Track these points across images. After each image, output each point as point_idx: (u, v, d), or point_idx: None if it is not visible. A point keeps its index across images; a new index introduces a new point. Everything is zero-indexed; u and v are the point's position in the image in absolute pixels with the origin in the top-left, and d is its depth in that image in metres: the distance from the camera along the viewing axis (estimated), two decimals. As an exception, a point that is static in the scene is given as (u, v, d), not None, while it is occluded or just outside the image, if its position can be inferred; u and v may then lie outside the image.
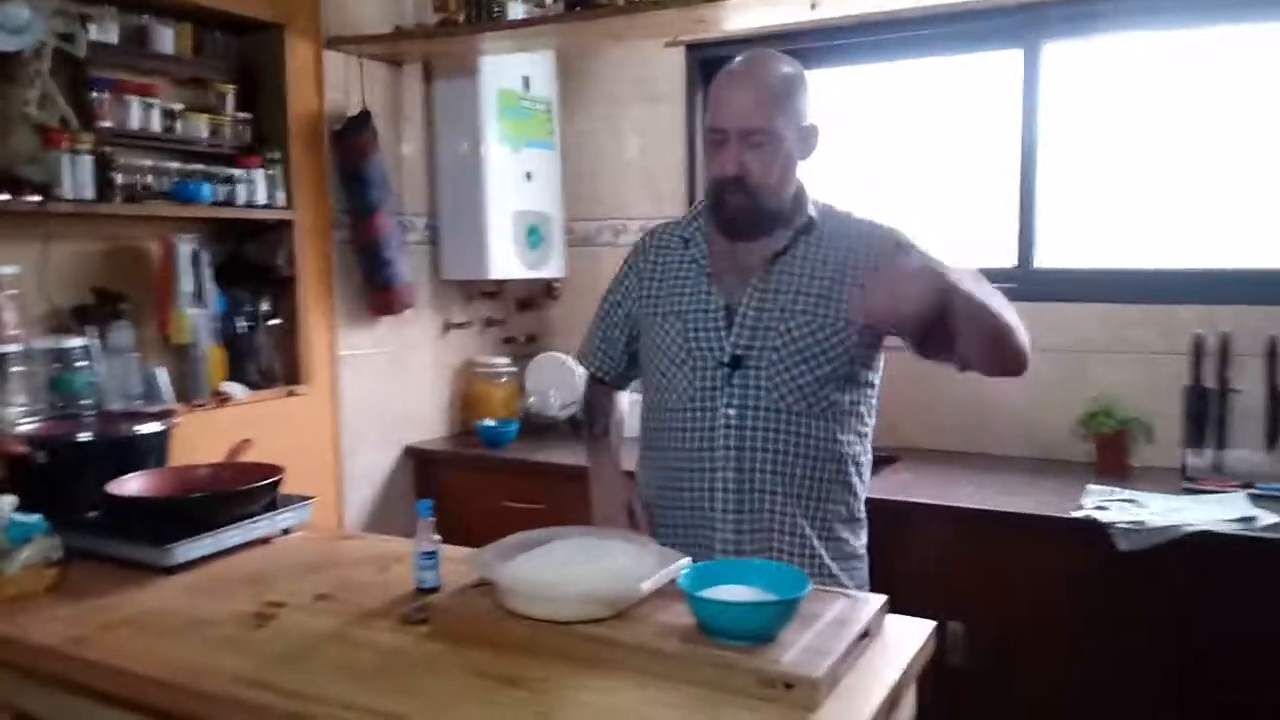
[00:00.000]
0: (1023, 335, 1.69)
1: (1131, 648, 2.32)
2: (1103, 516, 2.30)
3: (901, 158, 3.25)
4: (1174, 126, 2.87)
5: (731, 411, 1.77)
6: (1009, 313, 1.67)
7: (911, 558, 2.51)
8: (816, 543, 1.80)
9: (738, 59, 1.80)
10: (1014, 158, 3.02)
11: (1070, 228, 3.03)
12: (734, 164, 1.73)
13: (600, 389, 2.09)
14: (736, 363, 1.77)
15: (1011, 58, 3.01)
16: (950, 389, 3.08)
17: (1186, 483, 2.61)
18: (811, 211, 1.83)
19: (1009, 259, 3.06)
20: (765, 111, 1.72)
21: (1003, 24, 2.98)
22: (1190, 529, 2.22)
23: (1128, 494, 2.49)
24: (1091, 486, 2.58)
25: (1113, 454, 2.82)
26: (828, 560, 1.81)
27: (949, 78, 3.17)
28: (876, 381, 1.89)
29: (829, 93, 3.34)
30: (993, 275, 3.02)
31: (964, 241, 3.17)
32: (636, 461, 1.98)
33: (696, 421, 1.80)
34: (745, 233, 1.81)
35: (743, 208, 1.77)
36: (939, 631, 1.48)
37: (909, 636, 1.42)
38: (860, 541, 1.89)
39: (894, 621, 1.46)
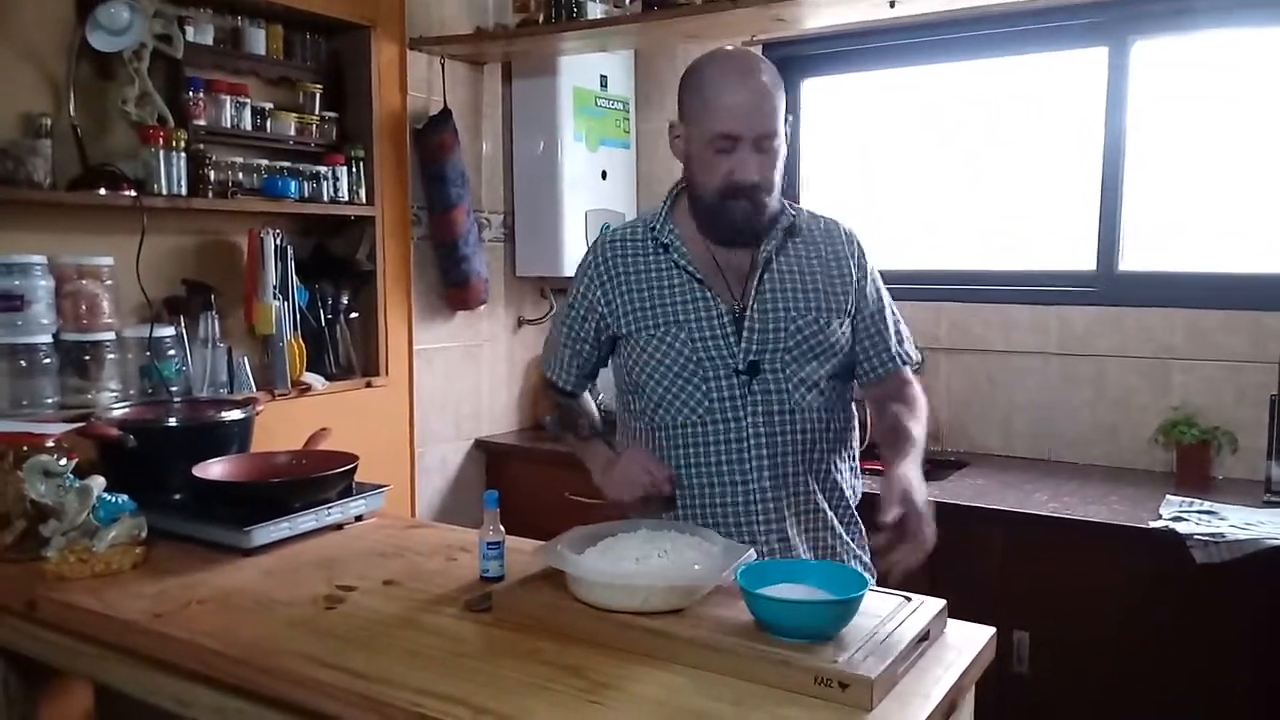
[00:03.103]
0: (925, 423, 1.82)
1: (1206, 663, 2.26)
2: (1180, 528, 2.25)
3: (980, 158, 3.20)
4: (1266, 128, 2.77)
5: (759, 419, 1.74)
6: (923, 426, 1.79)
7: (979, 564, 2.48)
8: (839, 527, 1.82)
9: (721, 57, 1.72)
10: (1096, 158, 2.95)
11: (1155, 231, 2.95)
12: (751, 170, 1.67)
13: (567, 398, 2.01)
14: (753, 369, 1.73)
15: (1096, 56, 2.94)
16: (1024, 394, 3.04)
17: (1270, 495, 2.53)
18: (792, 210, 1.81)
19: (1088, 262, 3.00)
20: (774, 114, 1.67)
21: (1089, 21, 2.92)
22: (1271, 543, 2.15)
23: (1207, 505, 2.43)
24: (1170, 496, 2.51)
25: (1194, 465, 2.75)
26: (853, 545, 1.84)
27: (1029, 77, 3.11)
28: None
29: (906, 92, 3.31)
30: (1072, 279, 3.01)
31: (1042, 244, 3.11)
32: None
33: (719, 434, 1.75)
34: (749, 240, 1.75)
35: (750, 215, 1.71)
36: (1003, 639, 1.47)
37: (969, 642, 1.41)
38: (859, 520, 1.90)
39: (954, 627, 1.45)
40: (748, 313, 1.75)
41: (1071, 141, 3.03)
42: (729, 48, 1.78)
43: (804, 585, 1.40)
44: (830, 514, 1.81)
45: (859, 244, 1.85)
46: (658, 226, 1.83)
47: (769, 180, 1.70)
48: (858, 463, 1.91)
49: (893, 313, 1.86)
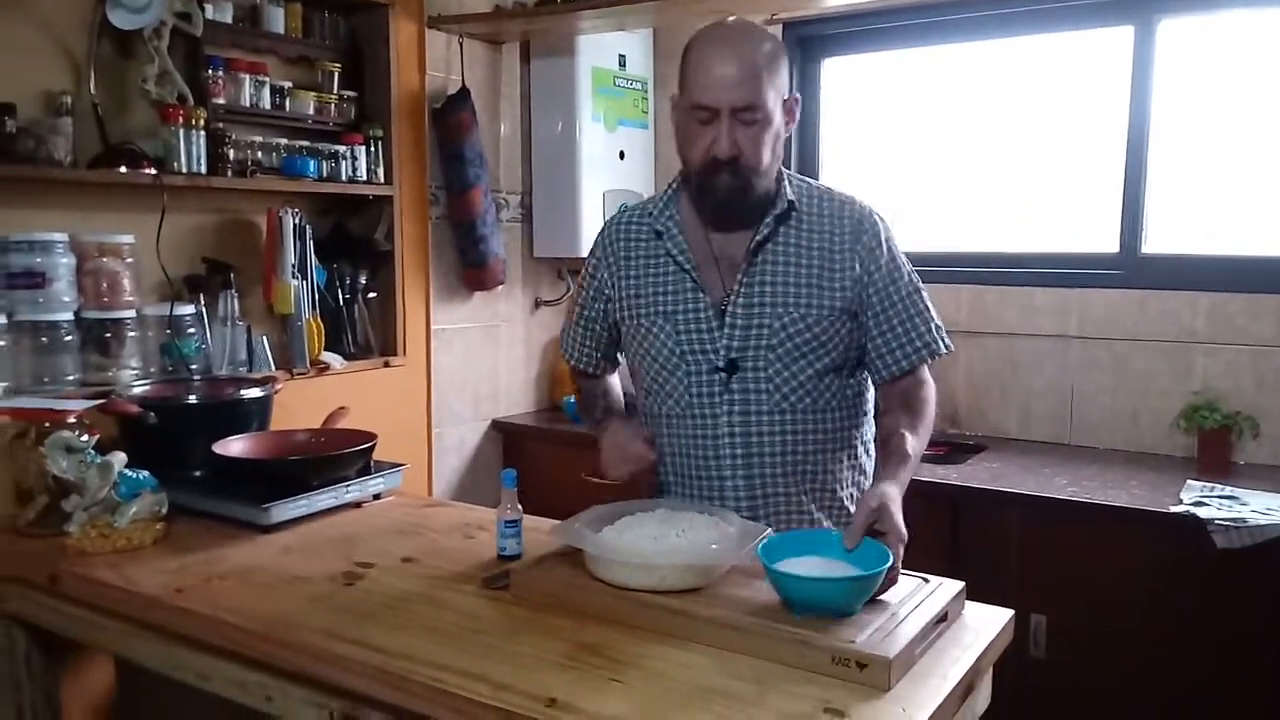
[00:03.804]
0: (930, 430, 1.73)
1: (1226, 648, 2.25)
2: (1201, 512, 2.23)
3: (1002, 138, 3.17)
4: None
5: (735, 418, 1.69)
6: (927, 434, 1.71)
7: (997, 548, 2.48)
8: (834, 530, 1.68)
9: (713, 28, 1.66)
10: (1120, 139, 2.92)
11: (1179, 213, 2.92)
12: (728, 144, 1.60)
13: (589, 380, 2.01)
14: (732, 366, 1.68)
15: (1121, 34, 2.91)
16: (1043, 378, 3.02)
17: (1292, 481, 2.51)
18: (790, 194, 1.71)
19: (1111, 245, 2.97)
20: (757, 86, 1.58)
21: (1115, -1, 2.89)
22: (1294, 529, 2.14)
23: (1228, 490, 2.41)
24: (1191, 482, 2.50)
25: (1215, 450, 2.73)
26: None
27: (1053, 56, 3.07)
28: None
29: (927, 72, 3.28)
30: (1094, 261, 2.97)
31: (1065, 225, 3.09)
32: None
33: (698, 428, 1.72)
34: (735, 219, 1.69)
35: (735, 191, 1.64)
36: (1021, 622, 1.46)
37: (987, 624, 1.41)
38: None
39: (972, 609, 1.45)
40: (729, 307, 1.69)
41: (1095, 122, 2.99)
42: (726, 19, 1.71)
43: (825, 558, 1.40)
44: (822, 519, 1.75)
45: (874, 230, 1.71)
46: (655, 212, 1.79)
47: (751, 156, 1.62)
48: (869, 461, 1.82)
49: (915, 303, 1.72)
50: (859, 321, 1.71)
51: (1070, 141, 3.05)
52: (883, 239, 1.72)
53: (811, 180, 1.80)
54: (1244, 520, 2.18)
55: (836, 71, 3.46)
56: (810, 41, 3.43)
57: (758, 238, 1.69)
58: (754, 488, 1.72)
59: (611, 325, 1.87)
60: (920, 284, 1.75)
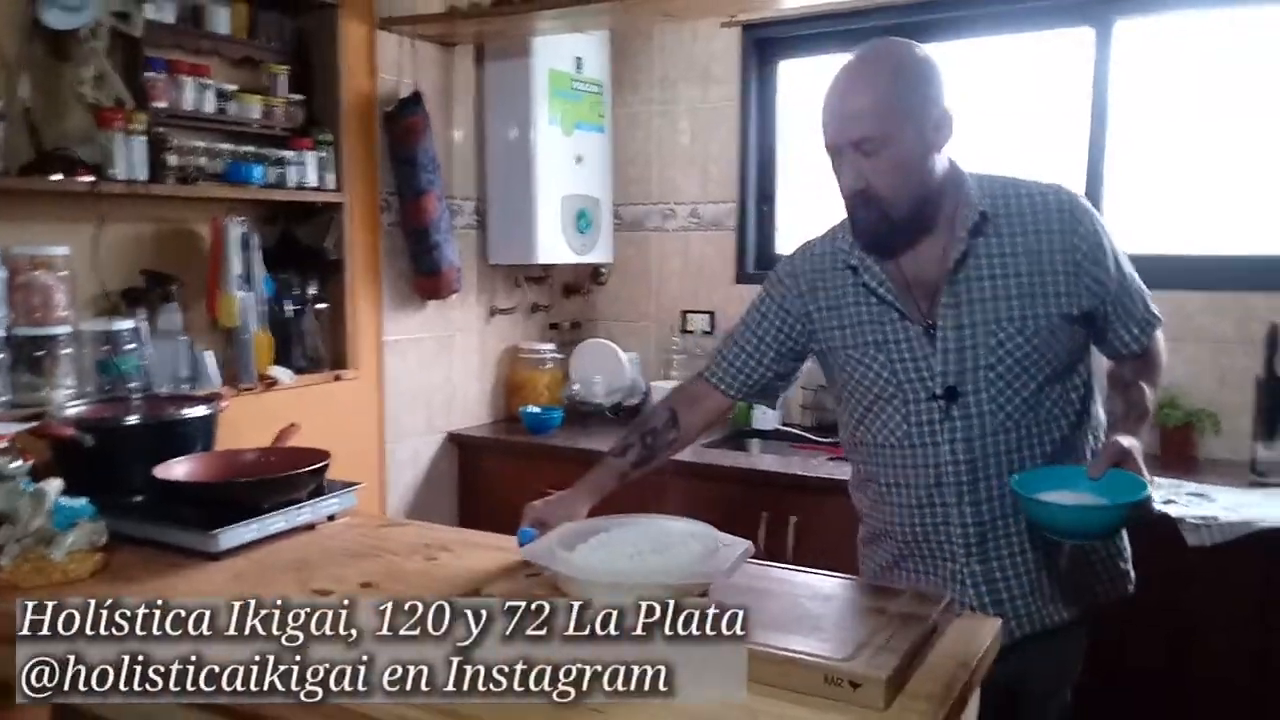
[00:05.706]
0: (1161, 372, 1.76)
1: (1199, 647, 2.24)
2: (1171, 511, 2.23)
3: (961, 139, 3.16)
4: (1251, 108, 2.75)
5: (958, 445, 1.63)
6: (1160, 379, 1.75)
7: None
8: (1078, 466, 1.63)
9: (852, 58, 1.63)
10: (1080, 139, 2.93)
11: (1139, 211, 2.92)
12: (852, 177, 1.59)
13: (690, 408, 1.88)
14: (951, 394, 1.62)
15: (1081, 36, 2.91)
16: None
17: (1255, 477, 2.52)
18: (980, 204, 1.63)
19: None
20: (872, 117, 1.55)
21: (1073, 0, 2.89)
22: (1263, 525, 2.14)
23: (1195, 488, 2.41)
24: (1157, 479, 2.49)
25: (1178, 446, 2.75)
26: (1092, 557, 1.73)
27: (1012, 56, 3.07)
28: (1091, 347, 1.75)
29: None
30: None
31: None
32: (850, 483, 1.87)
33: (918, 459, 1.66)
34: (888, 248, 1.65)
35: (874, 222, 1.61)
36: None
37: (976, 634, 1.37)
38: None
39: (959, 619, 1.41)
40: (938, 332, 1.62)
41: (1054, 122, 2.99)
42: (869, 46, 1.65)
43: (1072, 491, 1.47)
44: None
45: (1088, 221, 1.63)
46: (846, 247, 1.72)
47: (881, 187, 1.58)
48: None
49: (1133, 282, 1.69)
50: (1089, 320, 1.65)
51: (1030, 142, 3.05)
52: (1098, 227, 1.65)
53: (1002, 176, 1.71)
54: (1214, 518, 2.18)
55: (795, 73, 3.42)
56: (767, 44, 3.40)
57: (954, 255, 1.61)
58: (981, 515, 1.65)
59: (785, 351, 1.82)
60: (1125, 256, 1.71)
